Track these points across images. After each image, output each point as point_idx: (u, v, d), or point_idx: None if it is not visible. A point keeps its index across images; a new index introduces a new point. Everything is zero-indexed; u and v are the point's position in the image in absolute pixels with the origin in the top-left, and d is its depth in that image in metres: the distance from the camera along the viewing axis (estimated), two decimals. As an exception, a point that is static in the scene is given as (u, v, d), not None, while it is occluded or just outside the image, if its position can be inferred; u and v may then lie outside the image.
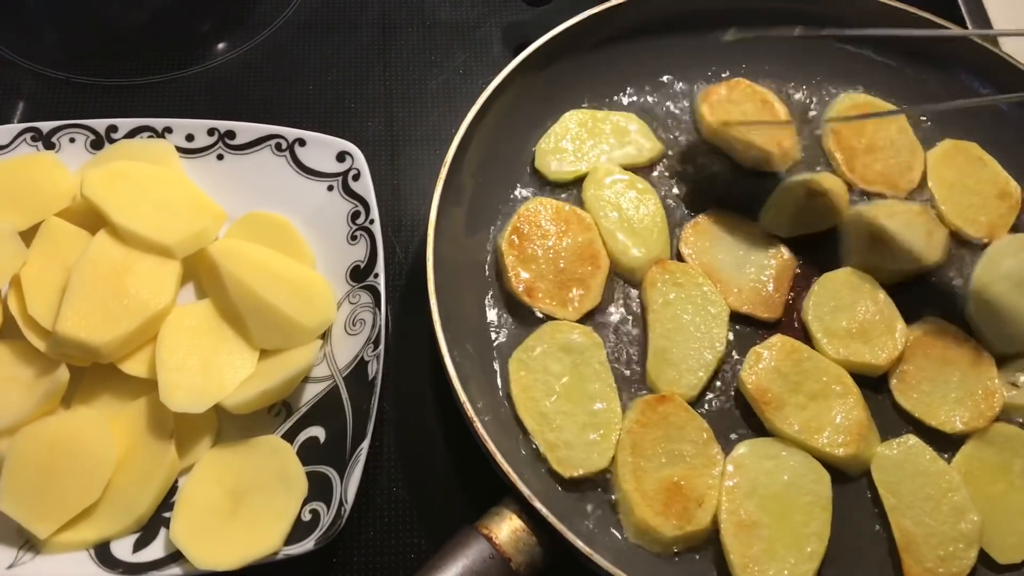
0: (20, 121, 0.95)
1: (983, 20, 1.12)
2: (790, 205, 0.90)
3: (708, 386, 0.82)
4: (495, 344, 0.83)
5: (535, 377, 0.80)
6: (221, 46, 1.05)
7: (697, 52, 0.98)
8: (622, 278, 0.88)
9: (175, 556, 0.71)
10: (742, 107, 0.95)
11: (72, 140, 0.89)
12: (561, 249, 0.86)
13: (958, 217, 0.92)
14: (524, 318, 0.84)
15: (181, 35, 1.06)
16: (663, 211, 0.90)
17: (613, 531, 0.76)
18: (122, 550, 0.72)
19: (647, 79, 0.98)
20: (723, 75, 0.99)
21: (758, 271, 0.88)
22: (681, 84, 0.99)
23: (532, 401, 0.79)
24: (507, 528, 0.70)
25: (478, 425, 0.72)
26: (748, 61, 0.99)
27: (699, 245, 0.89)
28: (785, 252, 0.89)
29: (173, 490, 0.76)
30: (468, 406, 0.73)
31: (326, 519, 0.72)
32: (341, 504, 0.72)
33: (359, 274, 0.84)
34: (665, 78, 0.99)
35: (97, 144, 0.89)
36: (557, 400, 0.79)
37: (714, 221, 0.90)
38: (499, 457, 0.71)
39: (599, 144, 0.93)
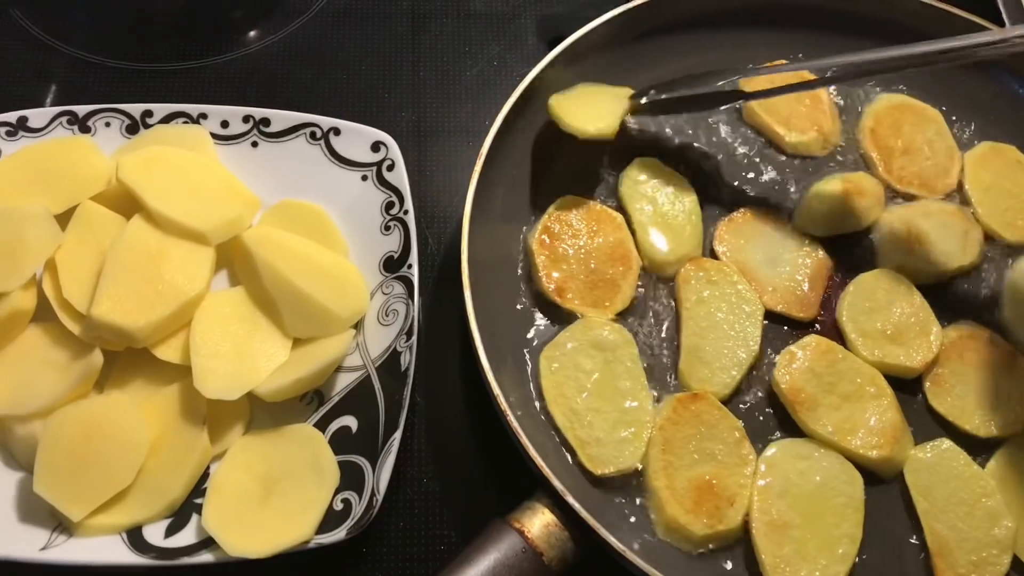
0: (54, 104, 0.95)
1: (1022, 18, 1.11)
2: (825, 204, 0.89)
3: (741, 385, 0.82)
4: (527, 339, 0.83)
5: (566, 374, 0.80)
6: (253, 34, 1.05)
7: (735, 46, 0.97)
8: (654, 274, 0.87)
9: (207, 542, 0.71)
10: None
11: (108, 124, 0.89)
12: (592, 249, 0.86)
13: (994, 220, 0.91)
14: (556, 314, 0.84)
15: (215, 21, 1.05)
16: (698, 207, 0.89)
17: (643, 529, 0.75)
18: (154, 535, 0.72)
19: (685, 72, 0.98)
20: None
21: (793, 270, 0.87)
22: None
23: (563, 398, 0.79)
24: (539, 522, 0.70)
25: (511, 418, 0.72)
26: (790, 56, 0.98)
27: (733, 242, 0.88)
28: (820, 252, 0.88)
29: (205, 476, 0.76)
30: (502, 399, 0.73)
31: (358, 509, 0.72)
32: (373, 494, 0.72)
33: (392, 264, 0.84)
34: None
35: (132, 129, 0.89)
36: (588, 397, 0.79)
37: (749, 218, 0.90)
38: (532, 451, 0.71)
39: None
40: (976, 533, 0.75)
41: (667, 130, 0.94)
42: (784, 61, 0.94)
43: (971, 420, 0.81)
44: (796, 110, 0.95)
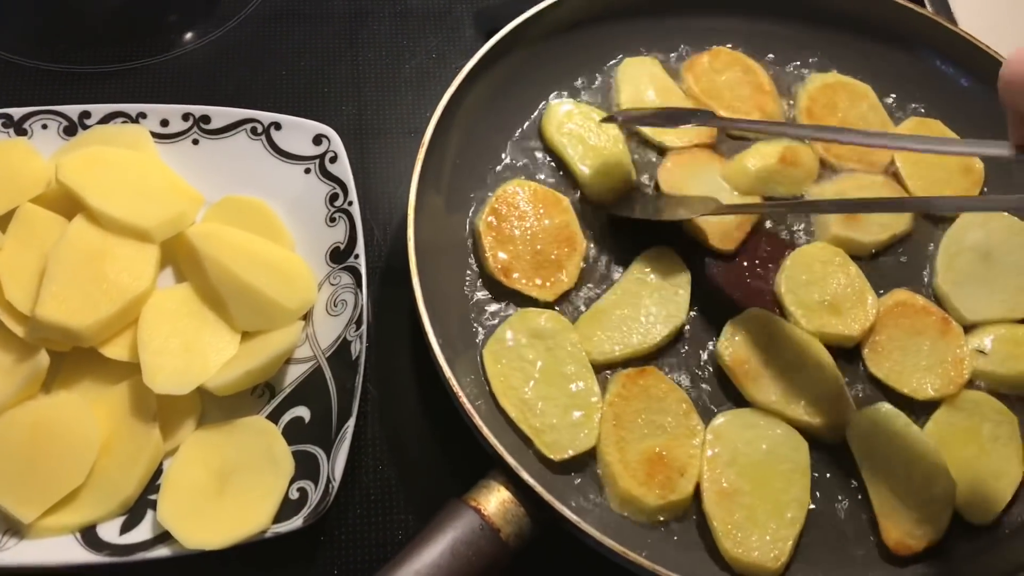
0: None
1: (943, 4, 1.15)
2: (758, 162, 0.92)
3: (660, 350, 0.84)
4: (475, 326, 0.84)
5: (512, 365, 0.80)
6: (190, 35, 1.04)
7: (670, 32, 1.00)
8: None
9: (162, 537, 0.71)
10: (726, 75, 0.98)
11: (44, 127, 0.88)
12: (539, 230, 0.87)
13: (924, 191, 0.94)
14: (504, 298, 0.85)
15: (150, 23, 1.04)
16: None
17: (599, 503, 0.77)
18: (109, 533, 0.72)
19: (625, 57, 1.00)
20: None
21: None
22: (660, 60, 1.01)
23: (512, 389, 0.79)
24: (495, 500, 0.70)
25: (463, 399, 0.73)
26: (722, 41, 1.01)
27: (677, 173, 0.92)
28: (758, 199, 0.91)
29: (158, 474, 0.75)
30: (454, 382, 0.74)
31: (314, 496, 0.73)
32: (329, 481, 0.73)
33: (339, 255, 0.84)
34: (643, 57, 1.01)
35: (70, 130, 0.88)
36: (536, 385, 0.80)
37: (697, 157, 0.94)
38: (485, 429, 0.72)
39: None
40: (918, 492, 0.78)
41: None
42: (727, 47, 0.98)
43: (908, 384, 0.84)
44: (739, 94, 0.98)
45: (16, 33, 1.01)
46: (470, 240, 0.88)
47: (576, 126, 0.93)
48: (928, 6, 1.13)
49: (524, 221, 0.87)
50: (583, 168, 0.91)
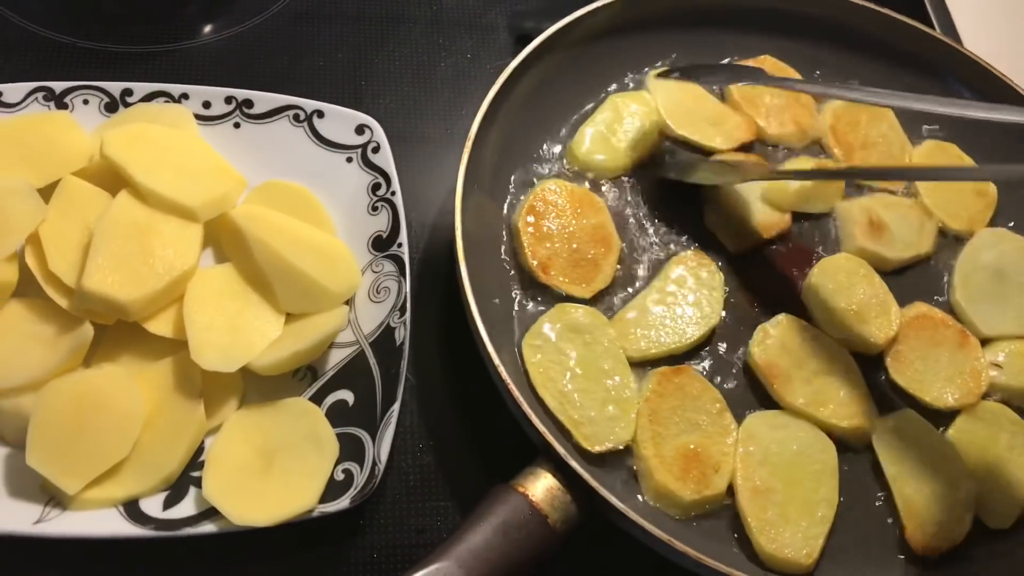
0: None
1: (947, 22, 1.19)
2: (799, 184, 0.94)
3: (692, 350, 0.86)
4: (512, 319, 0.85)
5: (550, 358, 0.81)
6: (228, 20, 1.04)
7: (704, 46, 1.02)
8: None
9: (207, 513, 0.71)
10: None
11: (86, 102, 0.87)
12: (575, 229, 0.88)
13: (941, 211, 0.98)
14: (540, 295, 0.86)
15: (189, 7, 1.05)
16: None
17: (635, 496, 0.78)
18: (152, 507, 0.71)
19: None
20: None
21: (752, 212, 0.93)
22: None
23: (551, 381, 0.80)
24: (542, 486, 0.71)
25: (512, 387, 0.74)
26: (756, 54, 1.04)
27: None
28: (786, 216, 0.94)
29: (199, 452, 0.75)
30: (503, 371, 0.74)
31: (360, 478, 0.73)
32: (375, 464, 0.73)
33: (381, 244, 0.85)
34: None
35: (111, 107, 0.87)
36: (574, 378, 0.81)
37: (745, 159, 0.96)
38: (534, 417, 0.73)
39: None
40: (942, 495, 0.80)
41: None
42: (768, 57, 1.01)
43: (929, 392, 0.86)
44: (778, 104, 1.01)
45: (53, 8, 1.01)
46: (506, 237, 0.89)
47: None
48: (936, 27, 1.17)
49: (561, 220, 0.88)
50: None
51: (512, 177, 0.92)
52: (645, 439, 0.79)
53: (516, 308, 0.85)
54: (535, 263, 0.86)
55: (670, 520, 0.78)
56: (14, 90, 0.86)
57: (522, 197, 0.90)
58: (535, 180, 0.92)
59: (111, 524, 0.69)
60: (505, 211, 0.90)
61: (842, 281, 0.90)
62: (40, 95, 0.86)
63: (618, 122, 0.96)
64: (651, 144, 0.96)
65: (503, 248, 0.88)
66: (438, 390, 0.85)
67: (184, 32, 1.02)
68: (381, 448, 0.74)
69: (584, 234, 0.88)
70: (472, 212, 0.84)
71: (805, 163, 0.96)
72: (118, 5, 1.04)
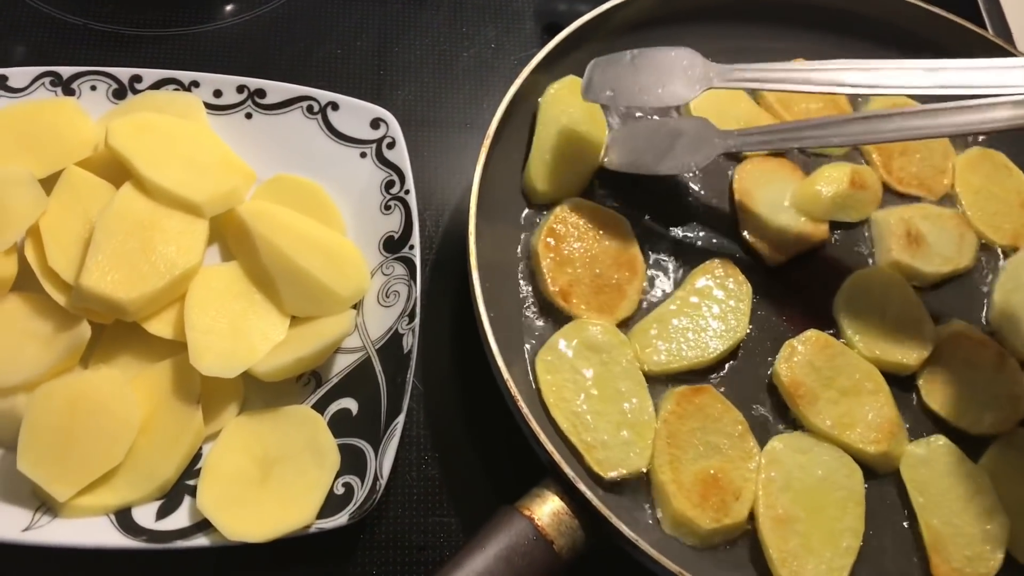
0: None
1: (1001, 22, 1.13)
2: (833, 191, 0.89)
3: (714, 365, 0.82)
4: (526, 331, 0.81)
5: (564, 376, 0.78)
6: (243, 4, 1.01)
7: (734, 39, 0.97)
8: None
9: (201, 525, 0.68)
10: None
11: (93, 88, 0.84)
12: (597, 253, 0.84)
13: (983, 223, 0.93)
14: (556, 314, 0.82)
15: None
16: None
17: (650, 523, 0.74)
18: (145, 517, 0.69)
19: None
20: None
21: (789, 220, 0.89)
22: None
23: (564, 401, 0.76)
24: (548, 510, 0.68)
25: (522, 404, 0.71)
26: (786, 57, 0.98)
27: (751, 177, 0.91)
28: (823, 225, 0.90)
29: (196, 458, 0.73)
30: (513, 387, 0.71)
31: (360, 493, 0.70)
32: (376, 479, 0.70)
33: (393, 245, 0.82)
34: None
35: (119, 94, 0.85)
36: (588, 399, 0.77)
37: (779, 165, 0.92)
38: (543, 437, 0.69)
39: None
40: (971, 529, 0.76)
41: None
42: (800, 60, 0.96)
43: (964, 417, 0.82)
44: (811, 108, 0.96)
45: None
46: (523, 256, 0.85)
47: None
48: (989, 29, 1.11)
49: (583, 243, 0.84)
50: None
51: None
52: (662, 463, 0.75)
53: (530, 320, 0.82)
54: (555, 290, 0.81)
55: (687, 549, 0.74)
56: (20, 75, 0.83)
57: (544, 211, 0.86)
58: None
59: (102, 534, 0.67)
60: (522, 227, 0.86)
61: (875, 296, 0.86)
62: (47, 80, 0.84)
63: None
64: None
65: (519, 266, 0.84)
66: (447, 399, 0.82)
67: (202, 15, 0.99)
68: (383, 462, 0.71)
69: (608, 257, 0.84)
70: (487, 216, 0.81)
71: (842, 167, 0.91)
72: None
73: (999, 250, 0.93)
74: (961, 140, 0.98)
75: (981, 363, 0.85)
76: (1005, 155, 0.97)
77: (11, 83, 0.83)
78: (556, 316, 0.82)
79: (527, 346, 0.80)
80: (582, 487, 0.67)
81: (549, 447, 0.69)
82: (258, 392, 0.76)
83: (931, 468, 0.79)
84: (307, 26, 1.00)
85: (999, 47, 0.98)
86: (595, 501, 0.67)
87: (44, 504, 0.68)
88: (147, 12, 0.97)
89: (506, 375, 0.71)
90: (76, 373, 0.72)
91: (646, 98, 0.82)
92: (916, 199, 0.93)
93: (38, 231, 0.74)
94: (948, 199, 0.94)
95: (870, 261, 0.90)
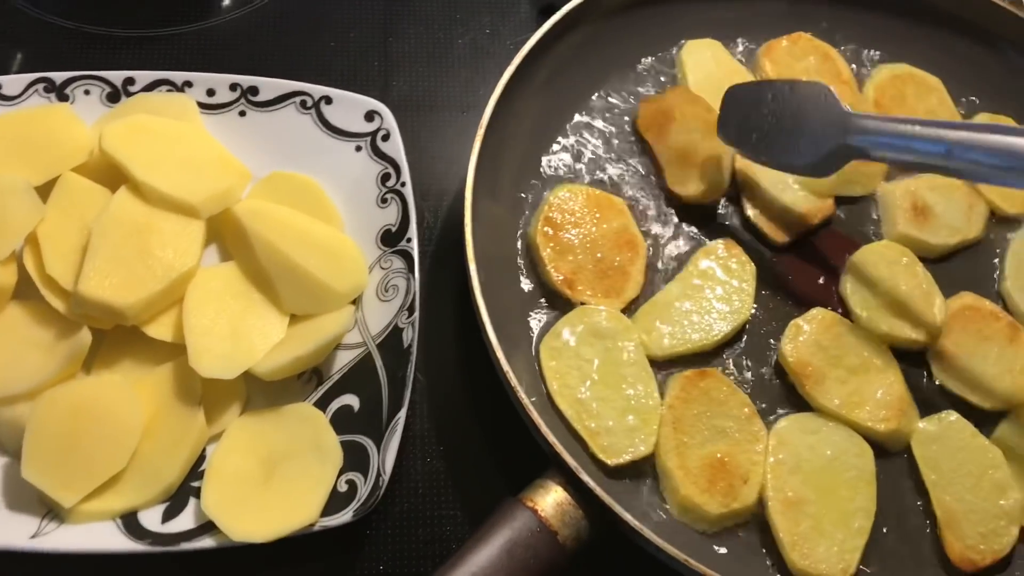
0: (25, 72, 0.89)
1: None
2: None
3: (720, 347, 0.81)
4: (529, 323, 0.80)
5: (568, 364, 0.77)
6: (228, 2, 1.00)
7: (739, 14, 0.96)
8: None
9: (206, 527, 0.68)
10: (804, 61, 0.95)
11: (87, 92, 0.84)
12: (597, 237, 0.83)
13: (993, 191, 0.91)
14: (558, 301, 0.81)
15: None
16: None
17: (658, 510, 0.74)
18: (151, 520, 0.69)
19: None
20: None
21: (793, 197, 0.88)
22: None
23: (568, 388, 0.76)
24: (552, 501, 0.68)
25: (521, 395, 0.70)
26: (790, 30, 0.97)
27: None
28: (829, 201, 0.88)
29: (201, 460, 0.73)
30: (512, 377, 0.71)
31: (364, 490, 0.70)
32: (379, 475, 0.70)
33: (391, 238, 0.81)
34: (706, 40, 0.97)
35: (113, 97, 0.85)
36: (593, 386, 0.76)
37: None
38: (544, 428, 0.69)
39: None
40: (984, 504, 0.75)
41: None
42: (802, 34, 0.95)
43: (975, 392, 0.81)
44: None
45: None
46: (522, 244, 0.84)
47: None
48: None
49: (581, 228, 0.83)
50: None
51: (531, 163, 0.88)
52: (668, 449, 0.74)
53: (534, 307, 0.81)
54: (560, 278, 0.81)
55: (696, 535, 0.73)
56: (13, 82, 0.84)
57: (545, 193, 0.85)
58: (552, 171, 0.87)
59: (108, 538, 0.68)
60: (524, 217, 0.85)
61: (882, 271, 0.84)
62: (40, 87, 0.84)
63: None
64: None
65: (519, 256, 0.84)
66: (451, 392, 0.82)
67: (197, 13, 0.98)
68: (386, 458, 0.71)
69: (607, 240, 0.83)
70: (487, 203, 0.80)
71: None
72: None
73: (1009, 219, 0.91)
74: (966, 105, 0.96)
75: (992, 336, 0.83)
76: (1013, 119, 0.95)
77: (4, 91, 0.83)
78: (560, 303, 0.81)
79: (532, 334, 0.80)
80: (584, 476, 0.67)
81: (550, 437, 0.69)
82: (260, 391, 0.76)
83: (943, 444, 0.78)
84: (300, 20, 0.99)
85: (1007, 11, 0.96)
86: (598, 490, 0.67)
87: (51, 511, 0.68)
88: (140, 13, 0.97)
89: (505, 365, 0.71)
90: (78, 379, 0.72)
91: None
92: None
93: (36, 239, 0.74)
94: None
95: (877, 236, 0.88)
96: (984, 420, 0.80)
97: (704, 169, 0.87)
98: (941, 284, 0.85)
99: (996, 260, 0.89)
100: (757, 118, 0.83)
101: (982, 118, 0.95)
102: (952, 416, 0.79)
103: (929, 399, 0.81)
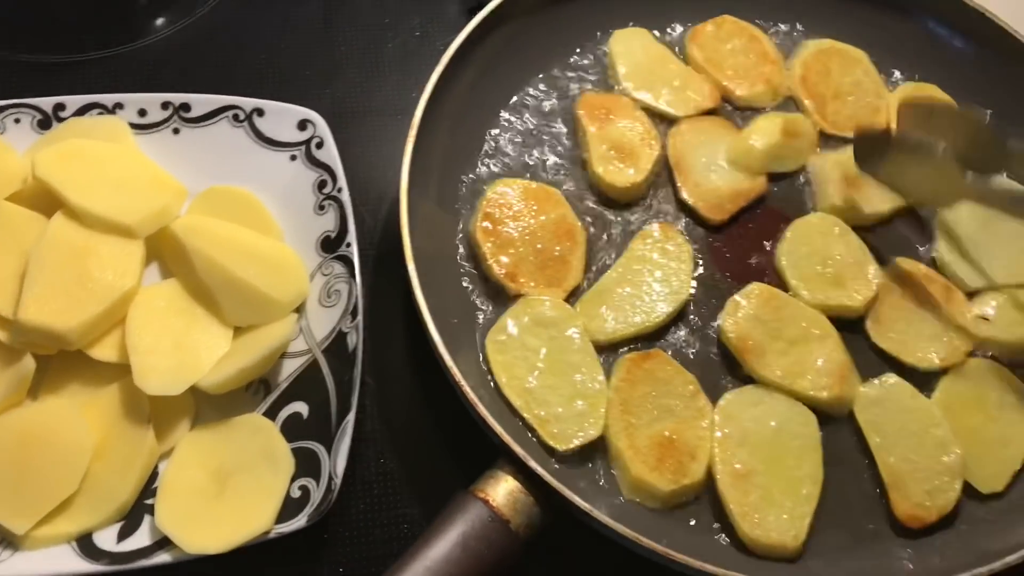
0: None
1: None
2: (766, 143, 0.89)
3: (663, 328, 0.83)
4: (474, 317, 0.81)
5: (515, 355, 0.78)
6: (162, 20, 1.00)
7: (660, 5, 0.97)
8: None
9: (162, 543, 0.69)
10: (730, 44, 0.96)
11: (17, 121, 0.84)
12: (536, 228, 0.84)
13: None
14: (500, 295, 0.82)
15: (122, 8, 1.01)
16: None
17: (608, 490, 0.75)
18: (106, 540, 0.70)
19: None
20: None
21: (725, 177, 0.90)
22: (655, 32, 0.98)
23: (516, 380, 0.77)
24: (503, 490, 0.69)
25: (467, 390, 0.71)
26: (713, 13, 0.98)
27: (687, 139, 0.91)
28: (761, 178, 0.90)
29: (153, 477, 0.73)
30: (457, 373, 0.71)
31: (316, 495, 0.71)
32: (331, 478, 0.71)
33: (330, 244, 0.82)
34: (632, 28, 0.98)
35: (44, 124, 0.85)
36: (540, 375, 0.77)
37: (713, 124, 0.92)
38: (490, 419, 0.70)
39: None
40: (927, 463, 0.77)
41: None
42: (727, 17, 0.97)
43: (913, 353, 0.83)
44: (743, 63, 0.96)
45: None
46: (463, 238, 0.85)
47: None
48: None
49: (520, 221, 0.84)
50: None
51: (466, 160, 0.89)
52: (618, 431, 0.76)
53: (478, 303, 0.82)
54: (502, 272, 0.82)
55: (647, 513, 0.75)
56: (-58, 115, 0.83)
57: (483, 188, 0.86)
58: (491, 161, 0.88)
59: (64, 562, 0.68)
60: (461, 211, 0.86)
61: (816, 243, 0.86)
62: (-32, 118, 0.84)
63: None
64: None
65: (459, 248, 0.85)
66: (401, 393, 0.82)
67: (127, 34, 0.98)
68: (337, 461, 0.71)
69: (546, 232, 0.84)
70: (424, 202, 0.82)
71: (774, 118, 0.92)
72: (72, 8, 1.01)
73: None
74: (892, 81, 0.98)
75: (928, 298, 0.85)
76: (937, 86, 0.97)
77: (-67, 124, 0.83)
78: (504, 297, 0.82)
79: (478, 330, 0.81)
80: (532, 463, 0.68)
81: (497, 427, 0.70)
82: (209, 404, 0.76)
83: (884, 407, 0.80)
84: (233, 33, 1.00)
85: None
86: (546, 476, 0.68)
87: (4, 538, 0.69)
88: (67, 37, 0.97)
89: (449, 362, 0.72)
90: (24, 407, 0.73)
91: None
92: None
93: (-27, 270, 0.74)
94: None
95: (811, 209, 0.90)
96: (923, 380, 0.82)
97: (640, 161, 0.89)
98: (879, 250, 0.87)
99: (927, 226, 0.91)
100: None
101: (907, 88, 0.97)
102: (892, 379, 0.81)
103: (869, 364, 0.83)
